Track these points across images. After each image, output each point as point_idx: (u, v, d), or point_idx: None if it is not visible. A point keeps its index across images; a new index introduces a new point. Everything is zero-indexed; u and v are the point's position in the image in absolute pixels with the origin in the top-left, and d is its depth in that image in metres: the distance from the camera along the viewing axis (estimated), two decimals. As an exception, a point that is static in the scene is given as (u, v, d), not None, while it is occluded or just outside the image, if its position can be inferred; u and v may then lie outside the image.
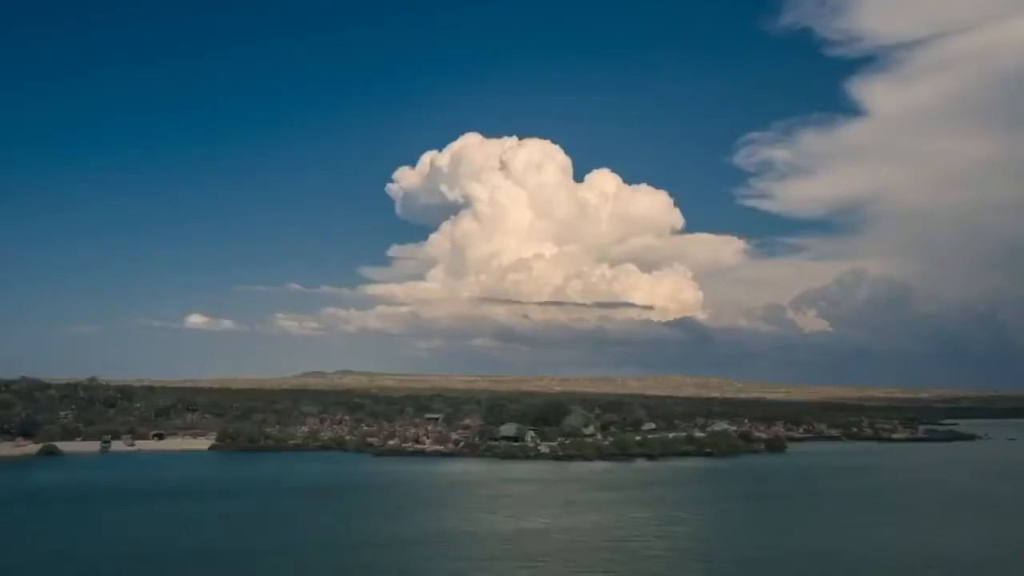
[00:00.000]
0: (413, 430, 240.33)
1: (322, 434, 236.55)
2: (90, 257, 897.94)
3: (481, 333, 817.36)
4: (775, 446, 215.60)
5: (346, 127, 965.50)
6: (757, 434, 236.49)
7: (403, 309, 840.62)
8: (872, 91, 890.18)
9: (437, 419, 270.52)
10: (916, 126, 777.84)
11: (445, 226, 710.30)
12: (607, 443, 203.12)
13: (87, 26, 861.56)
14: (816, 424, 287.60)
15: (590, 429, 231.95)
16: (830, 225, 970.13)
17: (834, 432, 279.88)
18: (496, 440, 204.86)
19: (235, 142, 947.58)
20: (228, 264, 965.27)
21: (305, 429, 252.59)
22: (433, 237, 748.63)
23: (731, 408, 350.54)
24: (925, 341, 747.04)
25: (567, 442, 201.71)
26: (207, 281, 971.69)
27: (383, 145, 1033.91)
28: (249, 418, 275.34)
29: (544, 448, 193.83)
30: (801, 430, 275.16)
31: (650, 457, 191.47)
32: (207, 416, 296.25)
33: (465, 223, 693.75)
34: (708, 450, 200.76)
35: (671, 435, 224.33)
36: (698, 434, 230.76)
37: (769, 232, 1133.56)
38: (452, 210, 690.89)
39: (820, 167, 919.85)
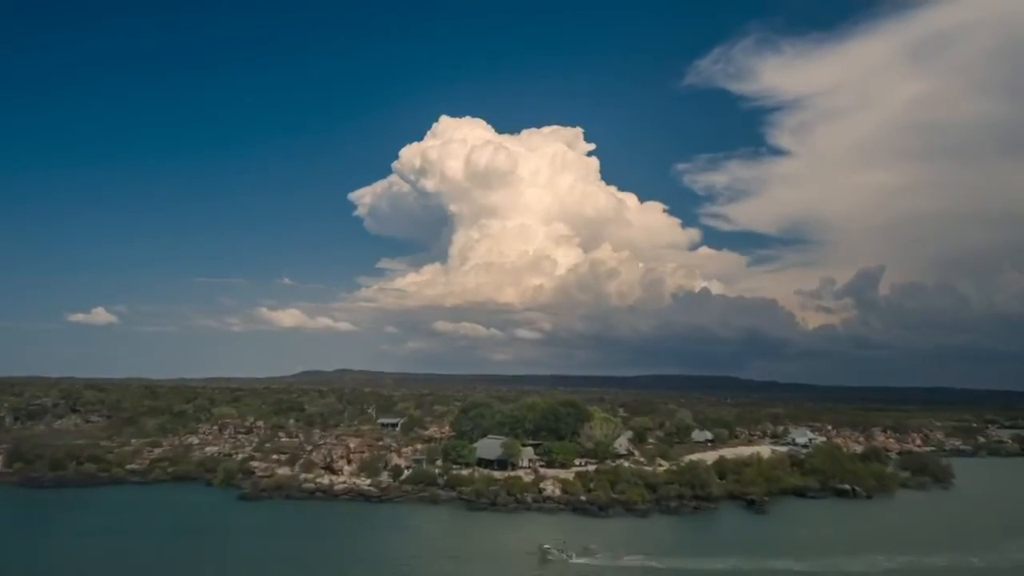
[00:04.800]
0: (354, 441, 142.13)
1: (208, 449, 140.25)
2: (99, 259, 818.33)
3: (486, 332, 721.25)
4: (936, 475, 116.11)
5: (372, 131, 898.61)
6: (887, 451, 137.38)
7: (404, 310, 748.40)
8: (783, 133, 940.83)
9: (394, 426, 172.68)
10: (833, 160, 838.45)
11: (446, 230, 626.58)
12: (659, 472, 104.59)
13: (73, 36, 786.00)
14: (930, 432, 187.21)
15: (622, 443, 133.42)
16: (787, 240, 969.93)
17: (957, 443, 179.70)
18: (468, 465, 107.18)
19: (227, 153, 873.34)
20: (227, 264, 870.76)
21: (195, 440, 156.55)
22: (436, 239, 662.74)
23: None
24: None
25: (591, 470, 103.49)
26: (205, 281, 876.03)
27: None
28: (136, 423, 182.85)
29: (551, 484, 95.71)
30: (918, 440, 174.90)
31: (752, 503, 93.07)
32: (94, 419, 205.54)
33: (464, 227, 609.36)
34: (844, 486, 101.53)
35: (757, 450, 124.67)
36: (798, 448, 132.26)
37: (736, 246, 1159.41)
38: (453, 215, 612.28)
39: (757, 192, 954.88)
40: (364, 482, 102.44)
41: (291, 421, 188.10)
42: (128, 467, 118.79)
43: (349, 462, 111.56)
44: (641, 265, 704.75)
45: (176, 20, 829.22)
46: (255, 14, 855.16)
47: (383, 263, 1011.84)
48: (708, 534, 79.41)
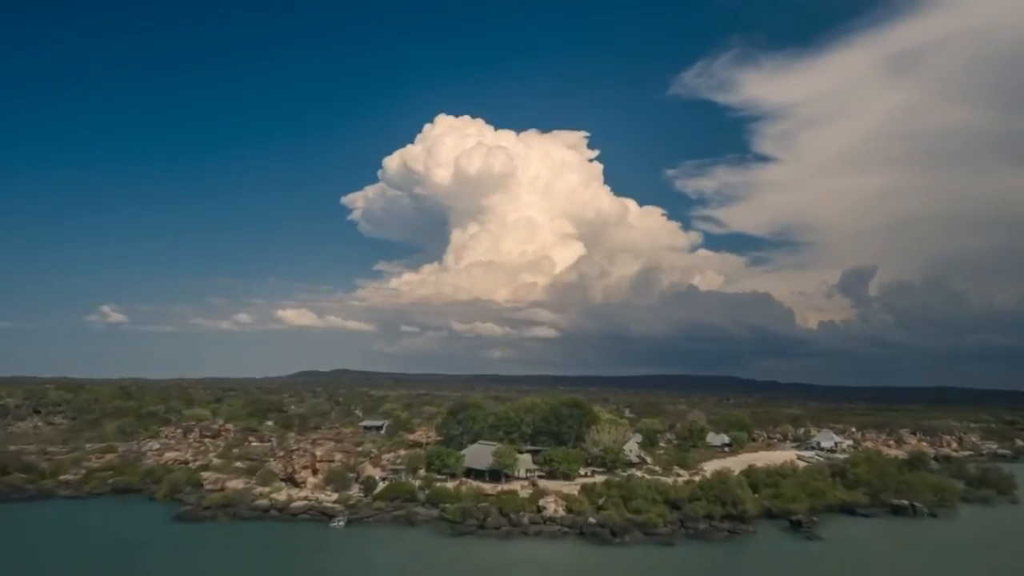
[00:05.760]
0: (323, 447, 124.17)
1: (167, 455, 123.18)
2: (99, 259, 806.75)
3: (486, 332, 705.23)
4: (999, 486, 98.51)
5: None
6: (919, 453, 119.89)
7: (402, 310, 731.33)
8: (767, 140, 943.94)
9: (379, 429, 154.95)
10: (818, 166, 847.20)
11: (445, 230, 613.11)
12: (680, 484, 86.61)
13: (73, 37, 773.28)
14: (964, 436, 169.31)
15: (632, 449, 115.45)
16: (778, 242, 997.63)
17: (994, 446, 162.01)
18: (455, 476, 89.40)
19: (228, 153, 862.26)
20: (227, 264, 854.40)
21: (156, 446, 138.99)
22: (434, 240, 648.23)
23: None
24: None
25: (599, 482, 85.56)
26: (204, 282, 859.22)
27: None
28: (97, 426, 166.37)
29: (552, 502, 77.67)
30: (953, 444, 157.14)
31: (798, 524, 74.58)
32: (58, 420, 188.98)
33: (463, 230, 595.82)
34: (901, 502, 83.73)
35: (787, 456, 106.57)
36: (825, 453, 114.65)
37: (733, 248, 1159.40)
38: (455, 217, 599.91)
39: (746, 197, 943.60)
40: (329, 498, 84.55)
41: (268, 423, 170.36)
42: (61, 478, 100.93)
43: (315, 472, 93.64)
44: (641, 266, 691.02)
45: (174, 22, 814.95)
46: (255, 16, 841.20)
47: (380, 265, 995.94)
48: (763, 573, 61.38)
